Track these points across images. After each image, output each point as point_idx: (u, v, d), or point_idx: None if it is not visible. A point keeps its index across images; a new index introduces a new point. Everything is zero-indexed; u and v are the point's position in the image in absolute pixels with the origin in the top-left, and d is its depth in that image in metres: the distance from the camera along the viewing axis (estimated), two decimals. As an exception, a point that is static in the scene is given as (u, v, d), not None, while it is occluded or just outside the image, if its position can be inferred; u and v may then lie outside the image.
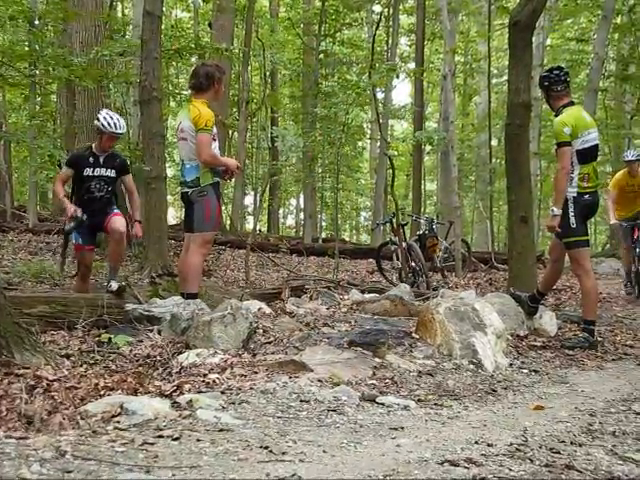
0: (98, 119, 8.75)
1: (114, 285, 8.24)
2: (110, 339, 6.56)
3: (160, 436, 3.69)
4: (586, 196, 7.95)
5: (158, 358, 5.86)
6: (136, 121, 16.64)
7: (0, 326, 4.91)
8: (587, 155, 7.95)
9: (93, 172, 8.71)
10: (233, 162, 8.41)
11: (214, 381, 5.03)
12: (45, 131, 21.34)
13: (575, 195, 7.88)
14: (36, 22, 17.93)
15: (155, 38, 11.59)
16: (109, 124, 8.66)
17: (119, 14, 27.50)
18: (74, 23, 15.41)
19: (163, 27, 14.12)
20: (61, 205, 8.68)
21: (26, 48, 17.31)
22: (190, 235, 8.33)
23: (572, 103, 8.19)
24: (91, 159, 8.73)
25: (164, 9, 17.09)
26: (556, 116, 8.13)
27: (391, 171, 16.51)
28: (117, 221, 8.76)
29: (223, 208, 26.11)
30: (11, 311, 5.19)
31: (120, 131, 8.89)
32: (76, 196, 8.72)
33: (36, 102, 22.98)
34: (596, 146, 8.11)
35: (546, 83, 8.20)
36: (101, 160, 8.80)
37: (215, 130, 8.23)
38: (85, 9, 15.20)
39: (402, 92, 76.83)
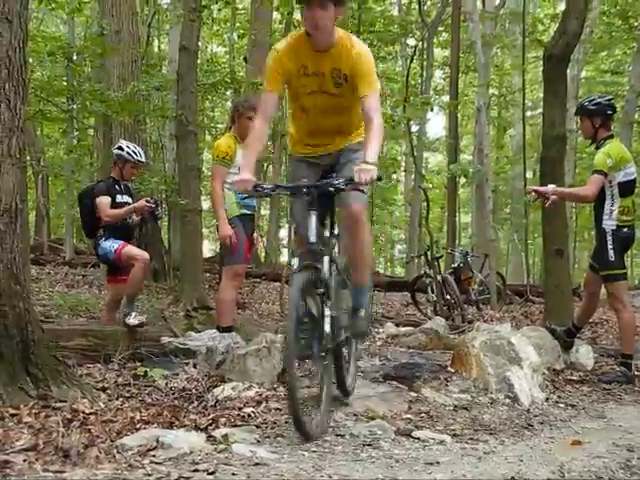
0: (121, 148, 8.86)
1: (135, 319, 8.08)
2: (146, 372, 6.59)
3: (196, 470, 3.70)
4: (625, 229, 7.90)
5: (194, 391, 5.88)
6: (172, 155, 16.77)
7: (38, 359, 4.95)
8: (628, 188, 7.91)
9: (122, 198, 8.81)
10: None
11: (249, 415, 5.03)
12: (82, 165, 21.57)
13: (614, 228, 7.83)
14: (74, 57, 18.14)
15: (191, 72, 11.72)
16: (134, 152, 8.85)
17: (155, 49, 27.75)
18: (111, 58, 15.58)
19: (199, 61, 14.26)
20: (128, 211, 8.69)
21: (64, 83, 17.52)
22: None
23: (612, 136, 8.17)
24: (117, 187, 8.84)
25: (200, 44, 17.27)
26: (597, 148, 8.07)
27: (425, 204, 16.49)
28: (141, 249, 8.88)
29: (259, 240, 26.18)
30: (48, 344, 5.24)
31: (143, 159, 9.13)
32: (112, 226, 8.72)
33: (73, 136, 23.21)
34: (635, 180, 8.06)
35: (610, 112, 8.15)
36: (123, 187, 8.93)
37: (236, 162, 8.21)
38: (122, 44, 15.38)
39: (436, 125, 76.83)
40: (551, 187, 8.07)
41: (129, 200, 8.94)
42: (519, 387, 6.45)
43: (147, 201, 8.80)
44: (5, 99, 4.91)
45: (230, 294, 8.27)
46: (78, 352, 7.14)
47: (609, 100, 8.25)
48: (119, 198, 8.78)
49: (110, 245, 8.53)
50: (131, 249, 8.52)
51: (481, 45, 18.87)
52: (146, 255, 8.53)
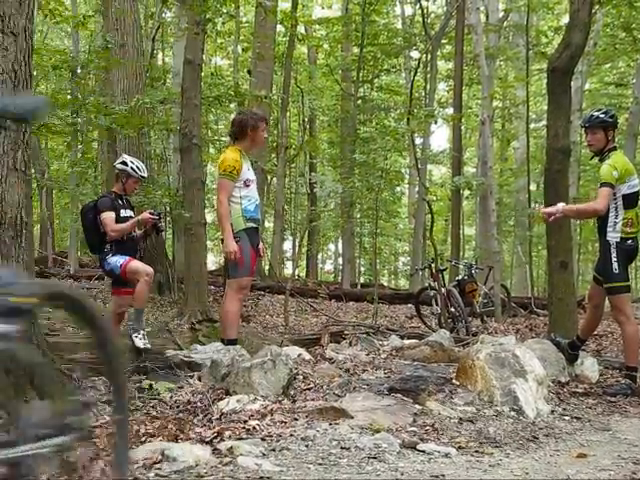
0: (125, 163, 8.90)
1: (141, 342, 8.01)
2: (151, 385, 6.59)
3: (201, 483, 3.70)
4: (629, 241, 7.90)
5: (198, 404, 5.88)
6: (176, 168, 16.80)
7: (43, 372, 4.95)
8: (631, 200, 7.91)
9: (125, 213, 8.84)
10: None
11: (254, 428, 5.03)
12: (87, 178, 21.59)
13: (618, 240, 7.82)
14: (78, 71, 18.20)
15: (195, 86, 11.75)
16: (138, 168, 8.92)
17: (159, 62, 27.84)
18: (116, 72, 15.63)
19: (203, 75, 14.27)
20: (133, 224, 8.75)
21: (69, 97, 17.57)
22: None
23: (615, 148, 8.18)
24: (119, 201, 8.87)
25: (204, 57, 17.30)
26: (601, 160, 8.07)
27: (430, 216, 16.52)
28: (146, 264, 8.88)
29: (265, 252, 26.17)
30: (53, 357, 5.24)
31: (146, 174, 9.26)
32: (118, 241, 8.75)
33: (78, 150, 23.27)
34: (638, 192, 8.06)
35: (617, 124, 8.20)
36: (125, 201, 8.96)
37: (247, 176, 8.29)
38: (127, 58, 15.42)
39: (440, 137, 77.02)
40: (560, 205, 8.06)
41: (131, 214, 8.98)
42: (524, 400, 6.44)
43: (151, 213, 8.85)
44: (11, 113, 4.93)
45: (235, 307, 8.29)
46: (83, 365, 7.15)
47: (613, 113, 8.30)
48: (123, 212, 8.81)
49: (116, 260, 8.56)
50: (136, 264, 8.54)
51: (485, 57, 18.87)
52: (150, 270, 8.54)
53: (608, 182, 7.77)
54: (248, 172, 8.37)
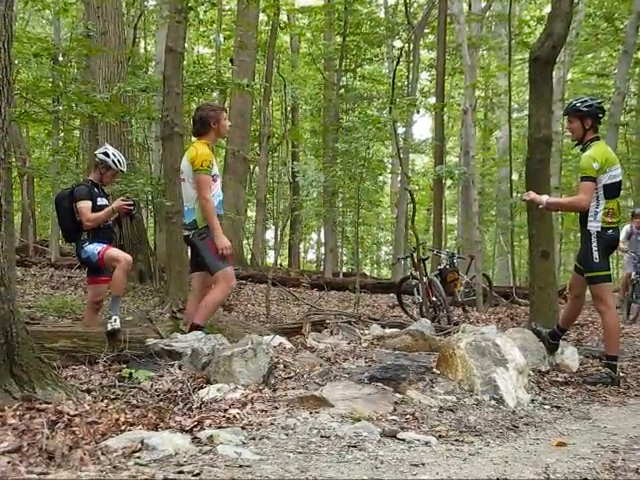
0: (107, 155, 8.80)
1: (110, 325, 7.75)
2: (131, 374, 6.57)
3: (181, 472, 3.69)
4: (610, 231, 7.89)
5: (179, 393, 5.86)
6: (158, 156, 16.75)
7: (22, 361, 4.94)
8: (613, 190, 7.89)
9: (102, 201, 8.77)
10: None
11: (235, 416, 5.02)
12: (68, 166, 21.50)
13: (599, 230, 7.82)
14: (60, 59, 18.10)
15: (177, 74, 11.70)
16: (119, 161, 8.83)
17: (141, 50, 27.75)
18: (97, 59, 15.57)
19: (185, 63, 14.23)
20: (108, 213, 8.64)
21: (50, 84, 17.47)
22: (196, 275, 8.39)
23: (598, 138, 8.16)
24: (96, 190, 8.79)
25: (186, 45, 17.24)
26: (582, 150, 8.07)
27: (412, 205, 16.52)
28: (123, 251, 8.81)
29: (245, 242, 26.20)
30: (33, 346, 5.22)
31: (125, 169, 9.22)
32: (95, 229, 8.67)
33: (59, 138, 23.16)
34: (620, 182, 8.06)
35: (601, 115, 8.16)
36: (100, 190, 8.88)
37: (215, 171, 8.23)
38: (108, 46, 15.36)
39: (423, 126, 77.17)
40: (545, 198, 8.09)
41: (107, 203, 8.91)
42: (504, 388, 6.45)
43: (123, 200, 8.79)
44: (-10, 100, 4.89)
45: (220, 297, 8.19)
46: (63, 354, 7.11)
47: (600, 103, 8.25)
48: (99, 201, 8.73)
49: (94, 248, 8.49)
50: (115, 251, 8.47)
51: (467, 47, 18.87)
52: (129, 257, 8.47)
53: (589, 176, 7.77)
54: (215, 167, 8.34)
